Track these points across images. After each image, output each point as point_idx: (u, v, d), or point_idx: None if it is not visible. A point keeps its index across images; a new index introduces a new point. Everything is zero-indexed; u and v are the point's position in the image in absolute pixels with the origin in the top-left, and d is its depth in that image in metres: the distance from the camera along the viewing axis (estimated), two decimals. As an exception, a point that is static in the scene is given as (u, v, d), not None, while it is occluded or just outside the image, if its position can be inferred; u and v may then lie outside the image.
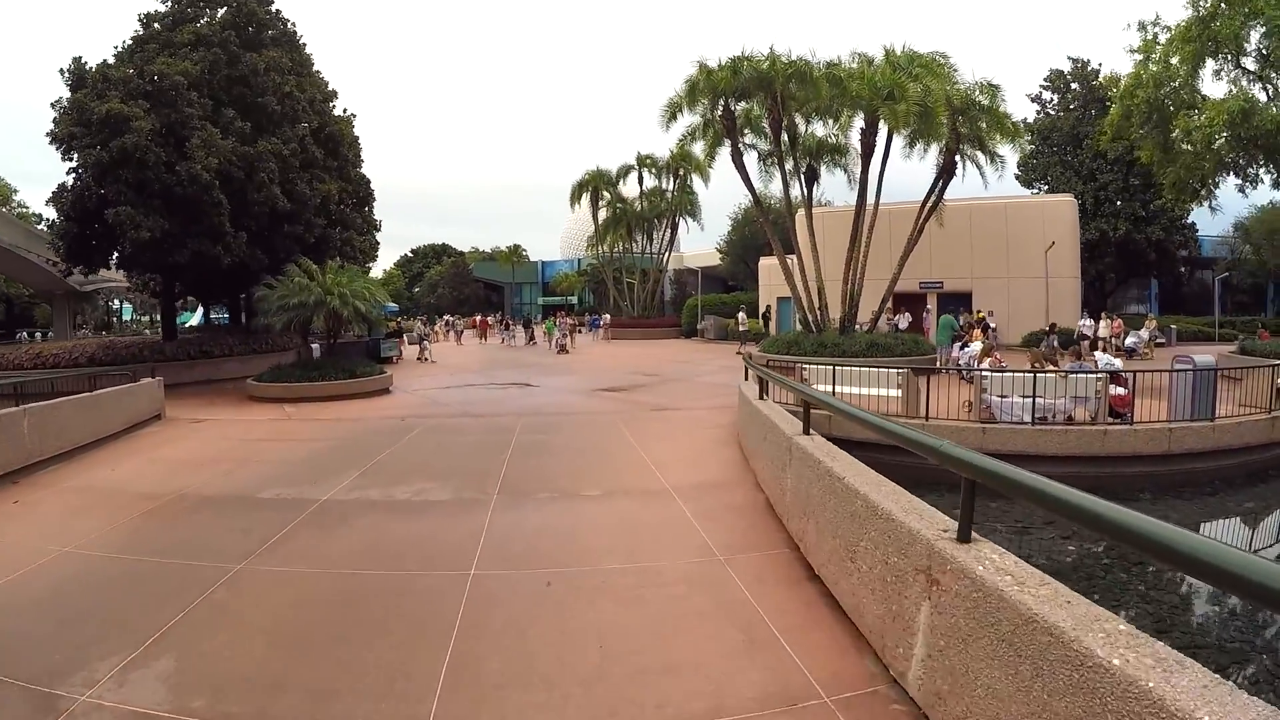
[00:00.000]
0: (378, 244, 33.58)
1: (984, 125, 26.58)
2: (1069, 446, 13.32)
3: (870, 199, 26.56)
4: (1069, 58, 50.77)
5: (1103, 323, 29.44)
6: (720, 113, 27.27)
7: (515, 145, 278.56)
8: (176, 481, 10.43)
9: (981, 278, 36.18)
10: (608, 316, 52.40)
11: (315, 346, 28.86)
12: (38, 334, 52.69)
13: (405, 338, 35.88)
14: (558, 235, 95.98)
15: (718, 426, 13.87)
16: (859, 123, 27.50)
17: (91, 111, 22.93)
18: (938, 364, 25.00)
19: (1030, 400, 13.74)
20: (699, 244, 62.43)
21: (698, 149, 31.42)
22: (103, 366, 24.01)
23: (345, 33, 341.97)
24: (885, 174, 27.43)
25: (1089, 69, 46.19)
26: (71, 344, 30.90)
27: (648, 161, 51.81)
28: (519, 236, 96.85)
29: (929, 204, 27.82)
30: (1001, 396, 14.36)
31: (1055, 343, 22.07)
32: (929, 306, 36.57)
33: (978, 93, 26.18)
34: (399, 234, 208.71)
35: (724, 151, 30.07)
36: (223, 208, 23.86)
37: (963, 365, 18.73)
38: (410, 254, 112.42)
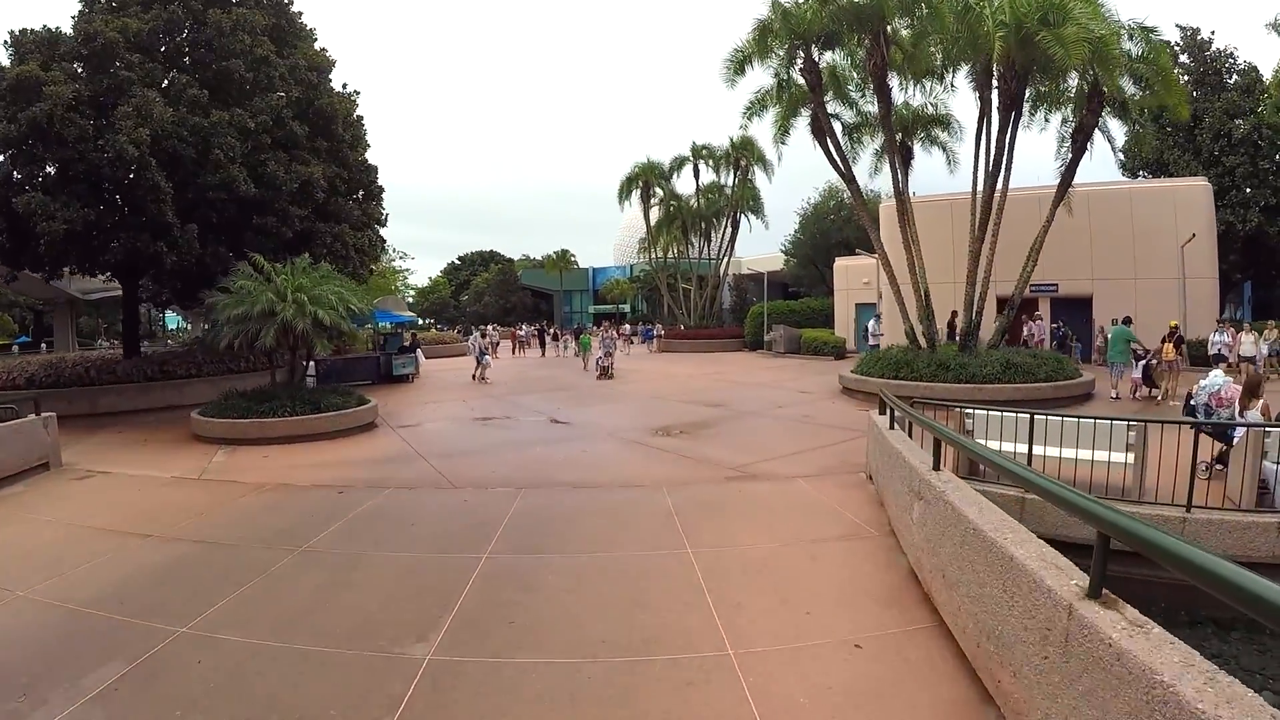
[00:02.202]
0: (382, 241, 27.99)
1: (1128, 83, 20.61)
2: None
3: (990, 178, 20.22)
4: (1177, 26, 43.46)
5: (1249, 336, 22.00)
6: (801, 65, 21.19)
7: (569, 151, 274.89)
8: None
9: (1104, 278, 29.80)
10: (660, 326, 46.66)
11: (310, 365, 23.69)
12: (43, 345, 48.58)
13: (421, 352, 30.36)
14: (611, 243, 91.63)
15: (856, 533, 7.86)
16: (964, 82, 21.84)
17: (3, 78, 18.12)
18: (1115, 391, 19.32)
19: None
20: (757, 248, 56.21)
21: (766, 124, 25.26)
22: (42, 390, 19.65)
23: (396, 37, 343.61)
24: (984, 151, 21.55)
25: (1199, 38, 39.31)
26: (17, 362, 25.89)
27: (704, 153, 45.88)
28: (572, 245, 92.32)
29: (1062, 184, 21.64)
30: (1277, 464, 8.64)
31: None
32: (1038, 313, 30.10)
33: (1126, 38, 20.01)
34: (450, 242, 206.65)
35: (800, 123, 24.15)
36: (161, 192, 18.71)
37: (1196, 405, 12.12)
38: (457, 261, 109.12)
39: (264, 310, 15.72)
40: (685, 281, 49.50)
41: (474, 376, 26.49)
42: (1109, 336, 20.53)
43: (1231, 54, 37.87)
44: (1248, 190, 35.97)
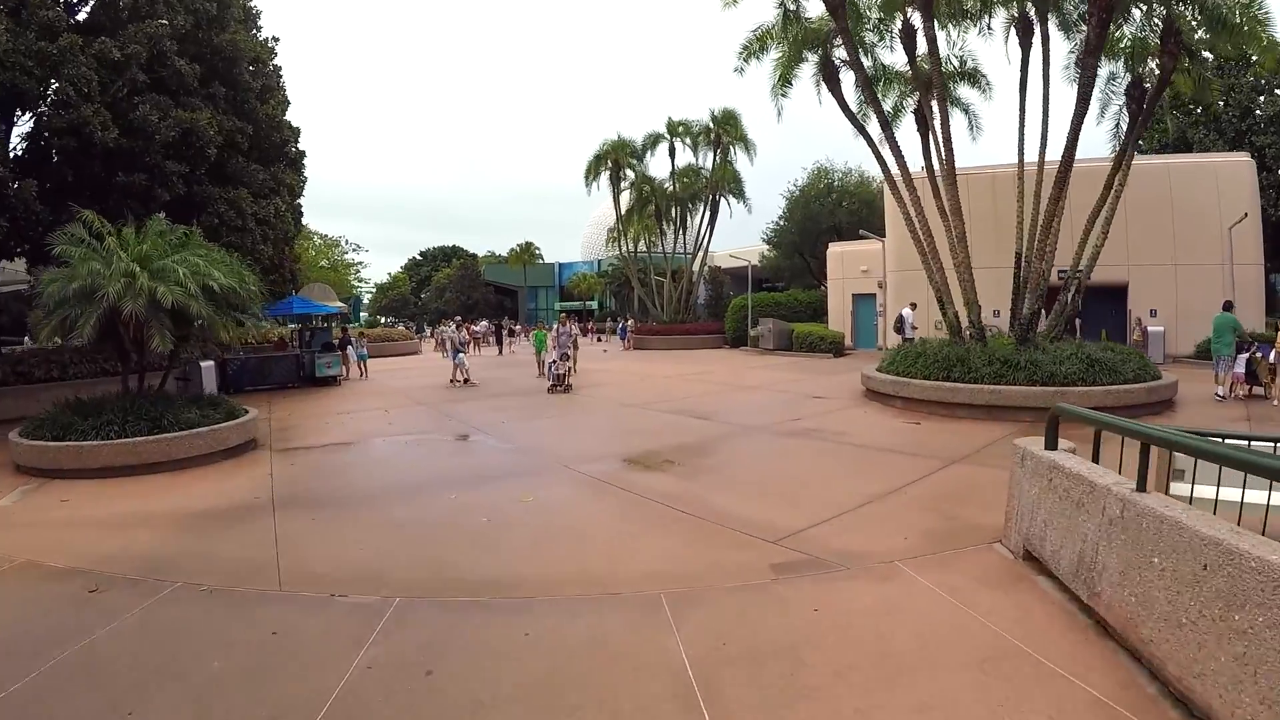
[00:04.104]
0: (296, 214, 23.34)
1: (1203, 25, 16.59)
2: None
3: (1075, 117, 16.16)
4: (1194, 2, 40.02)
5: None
6: (819, -19, 16.83)
7: (538, 150, 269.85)
8: None
9: (1140, 264, 25.95)
10: (632, 321, 42.03)
11: (207, 365, 19.03)
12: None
13: (351, 350, 25.68)
14: (579, 240, 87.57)
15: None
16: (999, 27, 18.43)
17: None
18: (1221, 390, 15.70)
19: None
20: (732, 243, 51.66)
21: (765, 67, 20.85)
22: None
23: (356, 35, 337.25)
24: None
25: (1221, 12, 35.95)
26: None
27: (680, 129, 41.26)
28: (540, 244, 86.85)
29: (1126, 144, 17.87)
30: None
31: None
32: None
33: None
34: (414, 241, 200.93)
35: (804, 71, 19.99)
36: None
37: None
38: (419, 256, 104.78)
39: (83, 289, 11.11)
40: (658, 274, 45.07)
41: (452, 380, 21.71)
42: (1214, 326, 16.50)
43: (1257, 27, 34.37)
44: (1279, 172, 32.56)
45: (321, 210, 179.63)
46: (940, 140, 16.57)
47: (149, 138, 16.51)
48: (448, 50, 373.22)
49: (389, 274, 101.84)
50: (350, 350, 25.59)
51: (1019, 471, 6.07)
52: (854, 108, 19.36)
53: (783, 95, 20.55)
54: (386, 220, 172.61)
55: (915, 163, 18.57)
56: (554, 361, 19.64)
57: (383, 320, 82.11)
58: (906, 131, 20.51)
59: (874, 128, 19.88)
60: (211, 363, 19.35)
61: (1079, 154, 16.10)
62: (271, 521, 7.69)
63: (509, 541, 6.78)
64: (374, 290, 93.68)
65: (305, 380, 23.06)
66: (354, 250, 70.11)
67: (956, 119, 22.63)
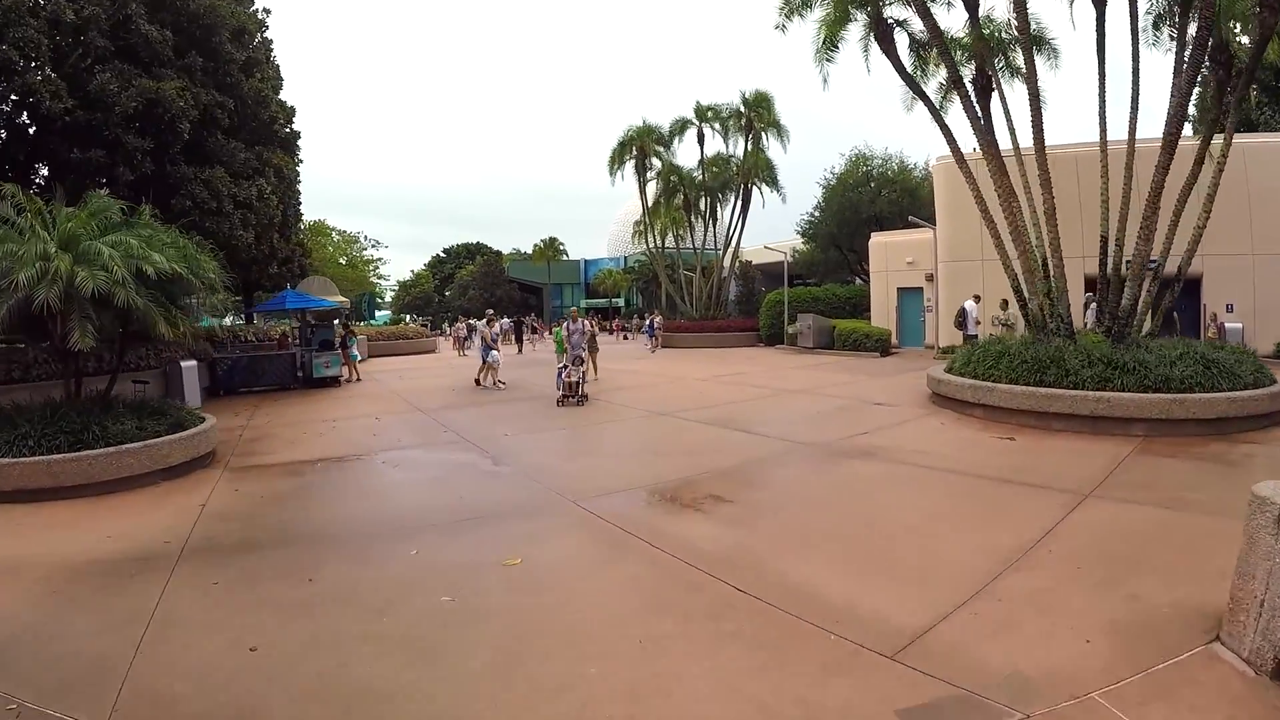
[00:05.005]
0: (291, 198, 21.26)
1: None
2: None
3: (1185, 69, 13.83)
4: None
5: None
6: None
7: (562, 149, 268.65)
8: None
9: (1214, 254, 23.20)
10: (659, 318, 39.62)
11: (189, 365, 17.03)
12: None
13: (352, 349, 23.64)
14: (604, 238, 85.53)
15: None
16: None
17: None
18: None
19: None
20: (757, 239, 49.23)
21: (809, 25, 18.60)
22: None
23: (396, 35, 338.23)
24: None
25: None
26: None
27: (709, 114, 39.01)
28: (566, 244, 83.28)
29: (1226, 114, 15.60)
30: None
31: None
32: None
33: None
34: (439, 240, 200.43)
35: (852, 32, 17.82)
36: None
37: None
38: (442, 254, 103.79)
39: (-3, 275, 9.07)
40: (687, 269, 42.79)
41: (478, 380, 19.54)
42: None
43: None
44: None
45: (344, 208, 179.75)
46: (1028, 98, 14.27)
47: (108, 108, 14.50)
48: (474, 49, 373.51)
49: (412, 271, 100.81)
50: (356, 349, 23.62)
51: (1269, 540, 3.80)
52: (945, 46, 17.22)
53: (827, 60, 18.31)
54: (411, 220, 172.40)
55: (967, 144, 16.48)
56: (564, 367, 16.54)
57: (405, 318, 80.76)
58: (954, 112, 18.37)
59: (933, 91, 17.81)
60: (195, 362, 17.38)
61: (1150, 131, 13.87)
62: (162, 585, 5.53)
63: (472, 651, 4.40)
64: (396, 287, 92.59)
65: (304, 381, 21.15)
66: (373, 246, 68.54)
67: (1018, 90, 20.36)
